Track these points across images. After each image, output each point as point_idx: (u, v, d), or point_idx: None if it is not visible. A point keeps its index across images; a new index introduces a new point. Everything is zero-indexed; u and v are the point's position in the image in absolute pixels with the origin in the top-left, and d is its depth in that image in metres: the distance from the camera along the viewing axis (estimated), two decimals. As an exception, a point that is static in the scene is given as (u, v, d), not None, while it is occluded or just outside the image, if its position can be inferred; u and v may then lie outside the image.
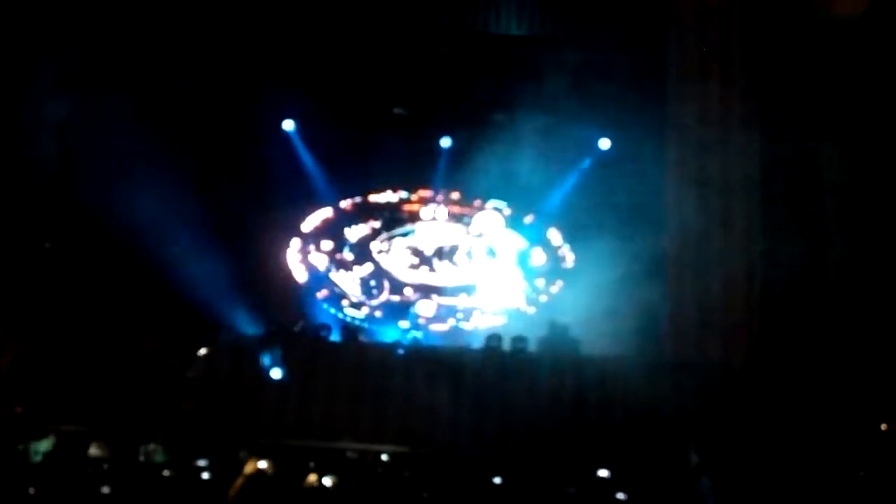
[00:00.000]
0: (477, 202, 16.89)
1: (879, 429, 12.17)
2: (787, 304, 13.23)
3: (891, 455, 11.56)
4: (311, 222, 16.54)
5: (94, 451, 10.30)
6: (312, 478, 8.61)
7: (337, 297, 16.31)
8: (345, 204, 16.69)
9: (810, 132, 13.62)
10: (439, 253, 16.68)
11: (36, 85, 13.38)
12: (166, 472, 7.89)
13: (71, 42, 13.87)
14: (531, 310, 16.30)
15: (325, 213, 16.63)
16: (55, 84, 13.53)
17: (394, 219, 16.78)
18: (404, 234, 16.76)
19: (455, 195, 16.89)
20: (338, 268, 16.48)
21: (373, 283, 16.39)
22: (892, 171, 13.43)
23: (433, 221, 16.83)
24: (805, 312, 13.29)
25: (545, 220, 16.65)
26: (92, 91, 13.89)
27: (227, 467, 9.24)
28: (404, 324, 15.55)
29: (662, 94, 14.42)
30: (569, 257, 16.47)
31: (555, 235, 16.63)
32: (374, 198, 16.78)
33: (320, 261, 16.47)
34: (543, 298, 16.40)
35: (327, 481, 8.53)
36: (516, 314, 16.25)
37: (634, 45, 15.07)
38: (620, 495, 7.71)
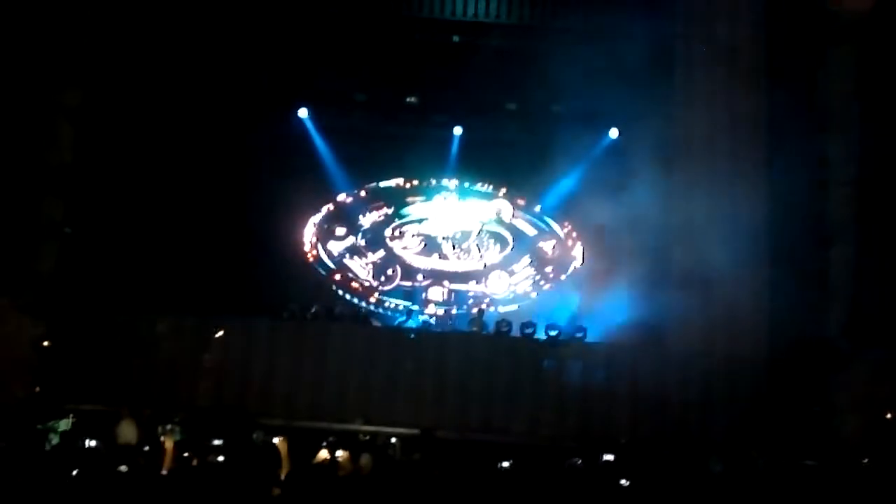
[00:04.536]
0: (488, 190, 17.08)
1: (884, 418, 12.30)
2: (793, 298, 13.29)
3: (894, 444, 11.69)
4: (325, 209, 16.77)
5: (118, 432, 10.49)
6: (323, 454, 8.64)
7: (350, 281, 16.52)
8: (358, 191, 16.91)
9: (817, 126, 13.66)
10: (450, 240, 16.87)
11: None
12: (185, 453, 8.08)
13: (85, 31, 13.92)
14: (540, 297, 16.51)
15: (340, 199, 16.84)
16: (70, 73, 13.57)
17: (406, 206, 16.99)
18: (416, 221, 16.95)
19: (466, 183, 17.08)
20: (351, 254, 16.69)
21: (385, 269, 16.60)
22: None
23: (445, 209, 17.02)
24: (809, 306, 13.38)
25: (555, 209, 16.83)
26: (106, 77, 13.99)
27: (242, 447, 9.42)
28: (415, 309, 15.77)
29: (671, 84, 14.52)
30: (577, 245, 16.64)
31: (564, 224, 16.80)
32: (387, 185, 17.00)
33: (334, 246, 16.69)
34: (552, 286, 16.60)
35: (340, 453, 8.51)
36: (526, 300, 16.47)
37: (643, 37, 15.12)
38: (624, 481, 7.85)
